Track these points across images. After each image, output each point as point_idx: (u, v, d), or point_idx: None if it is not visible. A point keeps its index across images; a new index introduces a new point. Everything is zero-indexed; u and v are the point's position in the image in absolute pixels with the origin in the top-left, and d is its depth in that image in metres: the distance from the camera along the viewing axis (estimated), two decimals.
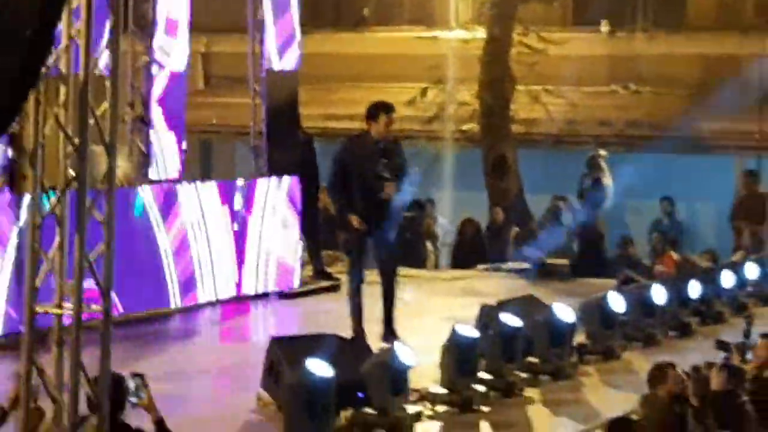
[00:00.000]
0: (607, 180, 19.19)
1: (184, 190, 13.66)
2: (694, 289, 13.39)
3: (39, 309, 7.39)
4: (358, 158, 11.78)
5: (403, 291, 15.50)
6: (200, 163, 23.53)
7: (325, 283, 14.98)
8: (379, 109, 11.90)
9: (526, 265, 17.70)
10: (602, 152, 19.48)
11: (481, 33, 21.23)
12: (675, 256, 16.61)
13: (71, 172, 7.31)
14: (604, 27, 23.53)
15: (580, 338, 11.94)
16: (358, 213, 11.67)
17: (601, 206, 19.30)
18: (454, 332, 10.50)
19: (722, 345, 10.47)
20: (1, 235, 11.61)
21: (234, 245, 14.04)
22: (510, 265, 18.01)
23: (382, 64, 23.78)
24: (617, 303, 12.19)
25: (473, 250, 18.60)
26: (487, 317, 11.37)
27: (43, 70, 6.69)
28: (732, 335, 11.19)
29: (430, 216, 19.42)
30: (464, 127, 21.26)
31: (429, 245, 18.62)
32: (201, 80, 25.55)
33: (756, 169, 18.72)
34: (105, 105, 7.34)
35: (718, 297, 13.92)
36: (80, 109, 7.18)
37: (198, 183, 14.06)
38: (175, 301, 13.36)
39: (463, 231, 19.06)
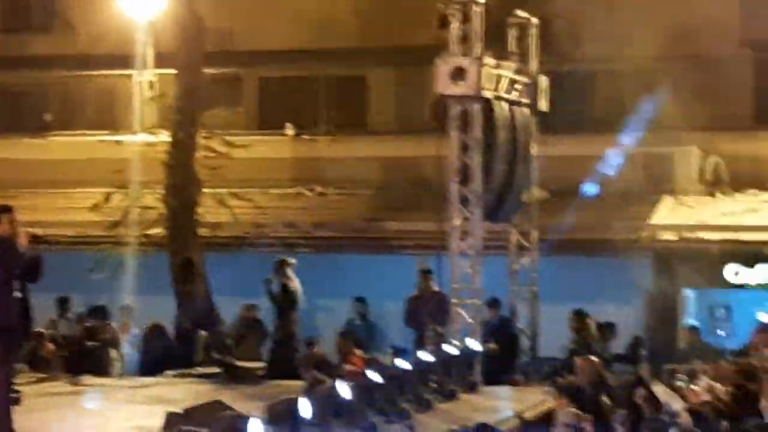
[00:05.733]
0: (294, 285, 19.35)
1: None
2: (379, 387, 13.56)
3: None
4: None
5: (88, 400, 15.20)
6: None
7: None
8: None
9: (215, 370, 17.61)
10: (291, 260, 19.62)
11: (165, 137, 21.15)
12: (361, 355, 16.85)
13: None
14: (289, 130, 23.91)
15: None
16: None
17: (293, 310, 19.43)
18: None
19: None
20: None
21: None
22: (199, 370, 17.85)
23: (65, 169, 23.40)
24: (305, 407, 12.20)
25: (160, 356, 18.34)
26: (172, 425, 11.16)
27: None
28: None
29: (125, 321, 19.14)
30: (150, 232, 21.04)
31: (113, 352, 18.25)
32: None
33: (435, 267, 19.24)
34: None
35: (402, 394, 14.17)
36: None
37: None
38: None
39: (149, 337, 18.78)
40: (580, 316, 18.27)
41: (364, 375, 13.96)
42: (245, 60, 23.83)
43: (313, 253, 21.32)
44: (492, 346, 17.28)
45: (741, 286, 20.28)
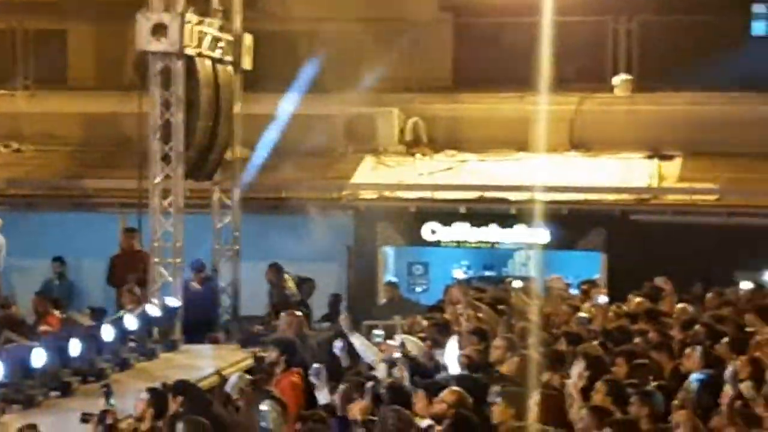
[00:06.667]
0: None
1: None
2: (76, 348, 13.35)
3: None
4: None
5: None
6: None
7: None
8: None
9: None
10: None
11: None
12: (58, 315, 16.53)
13: None
14: None
15: None
16: None
17: None
18: None
19: (86, 417, 10.59)
20: None
21: None
22: None
23: None
24: None
25: None
26: None
27: None
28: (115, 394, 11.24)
29: None
30: None
31: None
32: None
33: (136, 226, 19.02)
34: None
35: (100, 354, 13.99)
36: None
37: None
38: None
39: None
40: (276, 268, 18.42)
41: (60, 335, 13.71)
42: None
43: (8, 211, 20.68)
44: (193, 304, 17.22)
45: (437, 244, 20.87)
